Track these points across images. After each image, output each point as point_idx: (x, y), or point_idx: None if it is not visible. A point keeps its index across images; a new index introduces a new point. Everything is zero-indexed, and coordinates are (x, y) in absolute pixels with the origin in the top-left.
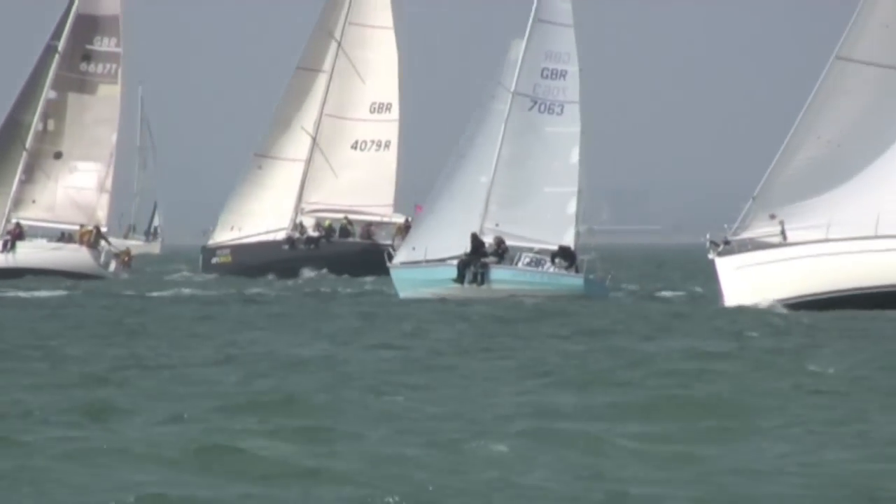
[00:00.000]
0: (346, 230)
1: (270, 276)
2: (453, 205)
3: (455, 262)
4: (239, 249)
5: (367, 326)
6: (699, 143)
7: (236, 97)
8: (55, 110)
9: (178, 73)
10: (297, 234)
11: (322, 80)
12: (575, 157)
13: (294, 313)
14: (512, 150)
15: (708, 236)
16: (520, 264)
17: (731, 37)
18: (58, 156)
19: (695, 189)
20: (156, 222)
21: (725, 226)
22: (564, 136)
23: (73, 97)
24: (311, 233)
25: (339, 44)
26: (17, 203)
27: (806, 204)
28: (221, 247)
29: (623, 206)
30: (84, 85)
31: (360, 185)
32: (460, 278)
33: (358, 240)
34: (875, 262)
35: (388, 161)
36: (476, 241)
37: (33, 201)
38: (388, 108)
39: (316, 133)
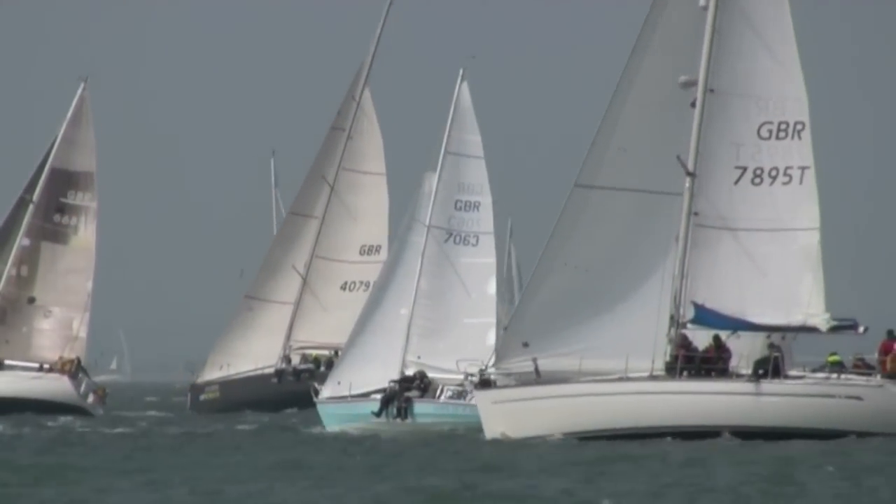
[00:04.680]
0: (331, 363)
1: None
2: (375, 338)
3: (379, 395)
4: (228, 385)
5: None
6: None
7: (229, 238)
8: (28, 257)
9: (169, 212)
10: (285, 366)
11: (314, 225)
12: (492, 287)
13: None
14: (430, 282)
15: (465, 368)
16: (442, 397)
17: None
18: (31, 301)
19: None
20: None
21: (480, 360)
22: (480, 267)
23: (45, 246)
24: (300, 365)
25: (333, 188)
26: None
27: (558, 331)
28: (210, 383)
29: None
30: (57, 235)
31: (348, 324)
32: (380, 413)
33: None
34: (624, 405)
35: None
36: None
37: (6, 342)
38: (378, 250)
39: (306, 274)
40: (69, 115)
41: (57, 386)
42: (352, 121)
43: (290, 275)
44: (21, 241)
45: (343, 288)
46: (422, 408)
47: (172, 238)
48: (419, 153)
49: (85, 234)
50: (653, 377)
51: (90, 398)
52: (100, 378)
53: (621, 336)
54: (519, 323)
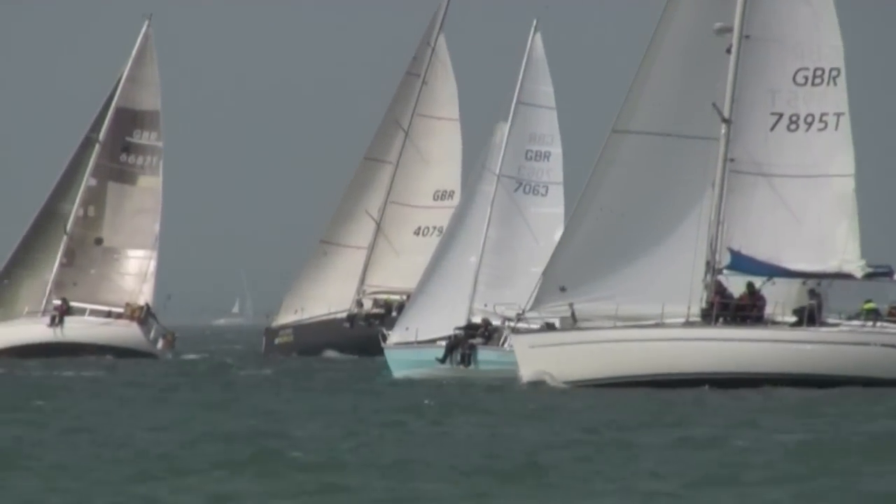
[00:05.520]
0: (402, 308)
1: (330, 353)
2: (444, 286)
3: (444, 342)
4: (301, 329)
5: None
6: None
7: (305, 183)
8: (95, 197)
9: (246, 160)
10: (357, 311)
11: (388, 170)
12: (559, 237)
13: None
14: (498, 231)
15: (501, 310)
16: (506, 345)
17: None
18: (98, 241)
19: None
20: None
21: (517, 304)
22: (549, 217)
23: (112, 186)
24: (371, 310)
25: (407, 134)
26: (58, 285)
27: (594, 275)
28: (284, 327)
29: None
30: (123, 175)
31: (421, 268)
32: (445, 359)
33: None
34: (660, 352)
35: None
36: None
37: (74, 284)
38: (451, 195)
39: (380, 219)
40: (133, 53)
41: (126, 332)
42: (426, 66)
43: (363, 220)
44: (88, 181)
45: (416, 233)
46: (485, 355)
47: (286, 180)
48: (492, 99)
49: (152, 174)
50: (688, 323)
51: (160, 343)
52: (220, 322)
53: (657, 281)
54: (556, 267)
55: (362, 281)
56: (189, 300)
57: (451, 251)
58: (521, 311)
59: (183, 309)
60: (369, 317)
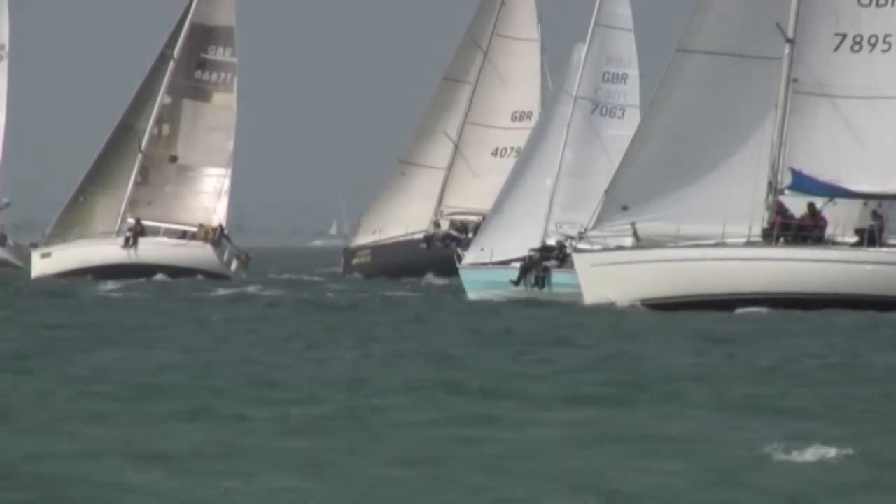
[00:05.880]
0: (479, 229)
1: (430, 277)
2: (518, 206)
3: (518, 264)
4: (378, 250)
5: None
6: None
7: (382, 104)
8: (169, 115)
9: (328, 82)
10: (434, 231)
11: (467, 90)
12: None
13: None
14: (574, 153)
15: (564, 229)
16: None
17: None
18: (173, 159)
19: None
20: None
21: (579, 223)
22: (625, 140)
23: (187, 103)
24: (450, 231)
25: (486, 54)
26: (133, 204)
27: (656, 195)
28: (362, 248)
29: None
30: (198, 92)
31: (498, 189)
32: (519, 281)
33: None
34: (721, 271)
35: None
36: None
37: (149, 202)
38: (529, 116)
39: (458, 139)
40: None
41: (200, 253)
42: None
43: (442, 140)
44: (162, 98)
45: (494, 153)
46: (559, 278)
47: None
48: (571, 20)
49: (226, 90)
50: (750, 243)
51: (233, 265)
52: (316, 243)
53: (719, 201)
54: (618, 186)
55: (440, 202)
56: (283, 222)
57: (526, 172)
58: (582, 230)
59: (274, 230)
60: (446, 238)
